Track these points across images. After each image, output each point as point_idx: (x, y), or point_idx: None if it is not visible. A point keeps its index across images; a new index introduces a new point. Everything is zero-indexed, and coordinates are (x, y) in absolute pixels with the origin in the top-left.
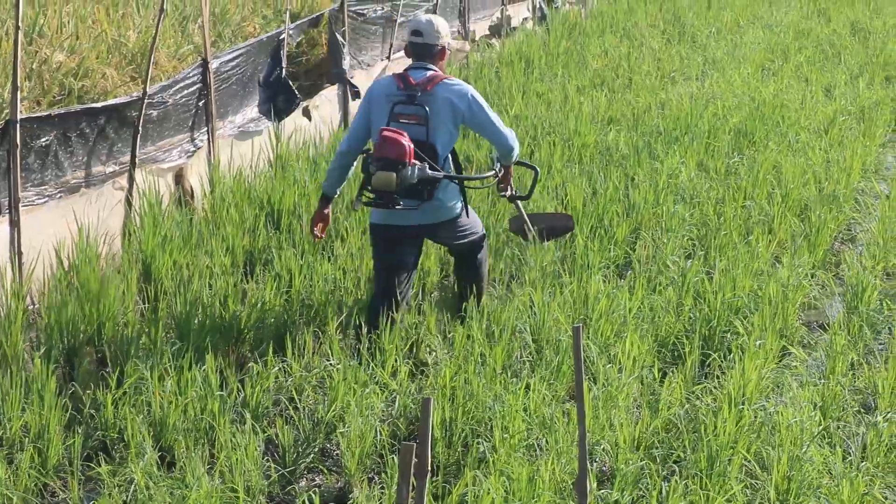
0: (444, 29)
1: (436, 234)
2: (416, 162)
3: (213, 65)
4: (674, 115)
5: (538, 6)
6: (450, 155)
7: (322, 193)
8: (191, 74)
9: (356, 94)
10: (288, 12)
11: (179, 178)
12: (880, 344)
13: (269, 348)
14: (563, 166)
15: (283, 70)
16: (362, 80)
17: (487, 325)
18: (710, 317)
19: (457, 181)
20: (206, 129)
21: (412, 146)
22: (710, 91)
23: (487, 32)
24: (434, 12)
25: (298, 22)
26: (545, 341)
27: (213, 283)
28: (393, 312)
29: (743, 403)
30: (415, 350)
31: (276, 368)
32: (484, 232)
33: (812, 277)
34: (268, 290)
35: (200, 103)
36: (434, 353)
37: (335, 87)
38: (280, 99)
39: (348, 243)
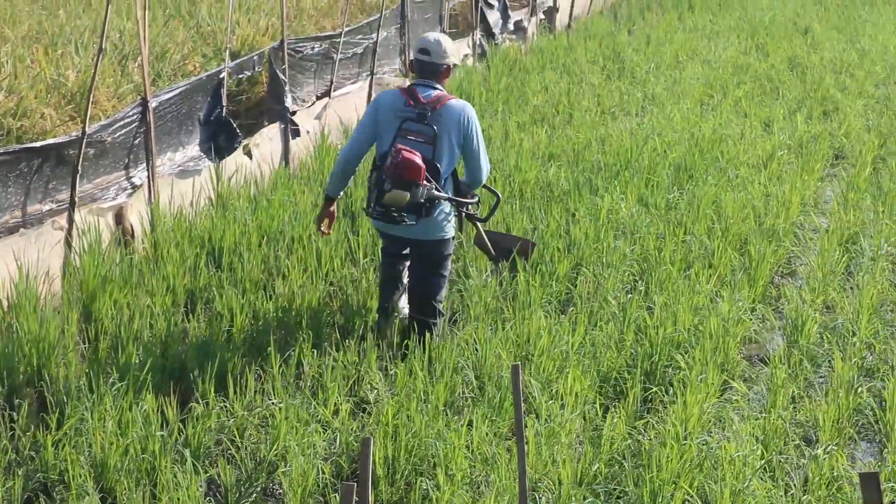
0: (451, 48)
1: (419, 249)
2: (426, 182)
3: (153, 103)
4: (614, 151)
5: (478, 42)
6: (451, 175)
7: (326, 195)
8: (130, 113)
9: (296, 133)
10: (228, 50)
11: (120, 217)
12: (820, 377)
13: (211, 387)
14: (505, 202)
15: (224, 109)
16: (302, 117)
17: (429, 362)
18: (651, 352)
19: (453, 203)
20: (146, 167)
21: (423, 165)
22: (650, 126)
23: None
24: (374, 50)
25: (238, 60)
26: (487, 378)
27: (154, 323)
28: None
29: (685, 438)
30: (356, 388)
31: (218, 408)
32: (442, 308)
33: (752, 311)
34: (209, 329)
35: (139, 142)
36: (376, 391)
37: (276, 124)
38: (221, 138)
39: (290, 280)
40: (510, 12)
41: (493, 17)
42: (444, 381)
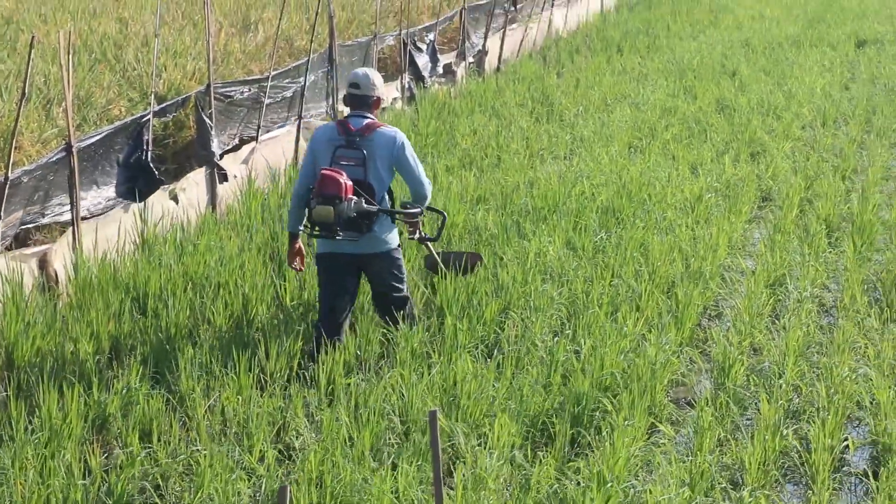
0: (379, 81)
1: (370, 265)
2: (353, 197)
3: (77, 148)
4: (542, 194)
5: (407, 86)
6: (386, 194)
7: (288, 233)
8: (54, 158)
9: (224, 177)
10: (153, 94)
11: (43, 262)
12: (747, 420)
13: (135, 435)
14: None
15: (145, 152)
16: (229, 162)
17: (355, 408)
18: (579, 395)
19: (390, 216)
20: (70, 212)
21: (350, 183)
22: (578, 169)
23: None
24: (301, 94)
25: (164, 104)
26: (413, 423)
27: (78, 370)
28: (331, 337)
29: (612, 481)
30: (282, 433)
31: (142, 455)
32: (408, 294)
33: (679, 354)
34: (133, 376)
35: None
36: (301, 437)
37: (203, 169)
38: (140, 181)
39: (215, 326)
40: (439, 56)
41: (422, 60)
42: (369, 426)
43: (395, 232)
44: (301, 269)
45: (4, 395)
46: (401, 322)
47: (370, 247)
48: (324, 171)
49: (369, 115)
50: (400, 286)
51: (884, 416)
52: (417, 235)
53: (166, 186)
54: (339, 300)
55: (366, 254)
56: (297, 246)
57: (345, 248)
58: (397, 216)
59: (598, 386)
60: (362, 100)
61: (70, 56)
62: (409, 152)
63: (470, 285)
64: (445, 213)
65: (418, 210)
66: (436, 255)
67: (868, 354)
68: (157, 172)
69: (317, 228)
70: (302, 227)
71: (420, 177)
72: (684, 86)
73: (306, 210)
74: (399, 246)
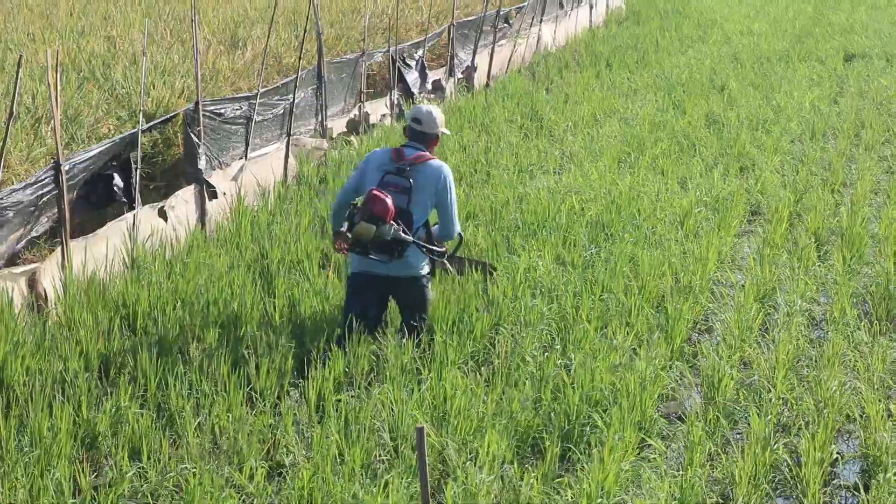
0: (441, 120)
1: (398, 287)
2: (394, 223)
3: (66, 167)
4: (531, 210)
5: (396, 102)
6: (423, 226)
7: (332, 229)
8: (42, 177)
9: (213, 195)
10: (142, 113)
11: (33, 281)
12: (737, 434)
13: (125, 452)
14: None
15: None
16: (220, 179)
17: (346, 424)
18: (568, 411)
19: (424, 249)
20: (59, 231)
21: (394, 209)
22: (568, 185)
23: (345, 129)
24: (290, 111)
25: (152, 122)
26: (403, 439)
27: (67, 388)
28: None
29: (602, 497)
30: (272, 451)
31: (132, 473)
32: (427, 322)
33: (670, 369)
34: (123, 394)
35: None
36: (292, 454)
37: (192, 187)
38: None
39: (205, 343)
40: (428, 72)
41: (412, 76)
42: (360, 443)
43: (426, 259)
44: (345, 252)
45: None
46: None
47: (400, 270)
48: (375, 192)
49: (425, 151)
50: (422, 314)
51: (874, 430)
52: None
53: (154, 204)
54: (361, 316)
55: (395, 277)
56: (341, 232)
57: (376, 269)
58: (427, 251)
59: (588, 401)
60: (422, 135)
61: (58, 74)
62: (451, 191)
63: (460, 301)
64: (462, 234)
65: (443, 251)
66: (448, 266)
67: (858, 367)
68: (119, 191)
69: (342, 242)
70: (338, 238)
71: (453, 216)
72: (673, 101)
73: (347, 223)
74: (429, 275)
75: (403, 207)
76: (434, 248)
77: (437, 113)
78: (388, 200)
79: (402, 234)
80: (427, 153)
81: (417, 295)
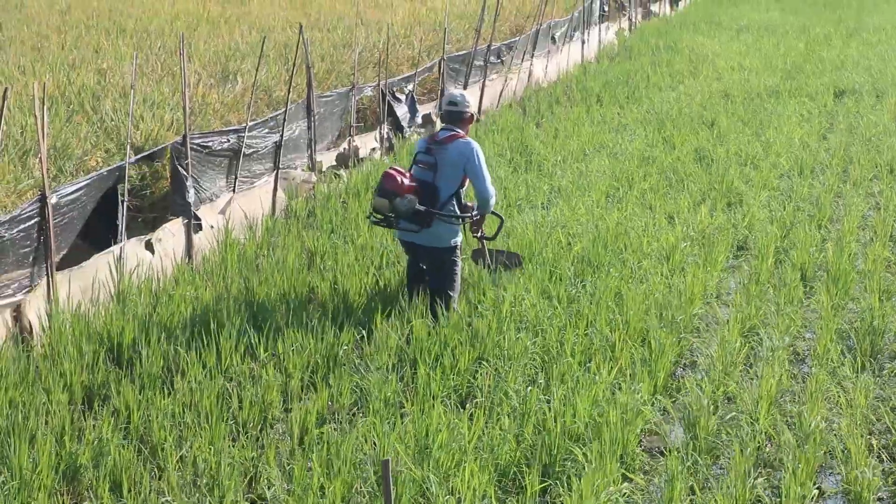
0: (472, 100)
1: (426, 256)
2: (409, 195)
3: (52, 199)
4: (518, 243)
5: (386, 136)
6: (454, 198)
7: None
8: (29, 209)
9: (199, 227)
10: (130, 146)
11: (18, 313)
12: (719, 469)
13: (106, 485)
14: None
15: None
16: (206, 212)
17: (328, 457)
18: (550, 445)
19: (444, 218)
20: (45, 264)
21: (407, 182)
22: (555, 219)
23: (335, 163)
24: (279, 145)
25: (140, 155)
26: None
27: (50, 420)
28: (419, 293)
29: None
30: (254, 484)
31: None
32: (452, 295)
33: (653, 404)
34: (105, 427)
35: (41, 238)
36: (273, 487)
37: (179, 219)
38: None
39: (189, 377)
40: (418, 106)
41: (401, 110)
42: (341, 476)
43: (456, 233)
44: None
45: None
46: (436, 312)
47: (428, 240)
48: (388, 170)
49: (458, 129)
50: (446, 283)
51: (855, 465)
52: (479, 234)
53: (141, 237)
54: (414, 281)
55: (423, 246)
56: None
57: (407, 237)
58: (465, 220)
59: (570, 436)
60: (457, 115)
61: (45, 107)
62: (479, 161)
63: (444, 335)
64: (503, 217)
65: (468, 215)
66: (486, 251)
67: (841, 403)
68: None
69: (375, 215)
70: (370, 217)
71: (485, 183)
72: (663, 136)
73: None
74: (457, 247)
75: (430, 181)
76: (451, 214)
77: (469, 95)
78: (400, 176)
79: (419, 206)
80: (460, 132)
81: (442, 265)
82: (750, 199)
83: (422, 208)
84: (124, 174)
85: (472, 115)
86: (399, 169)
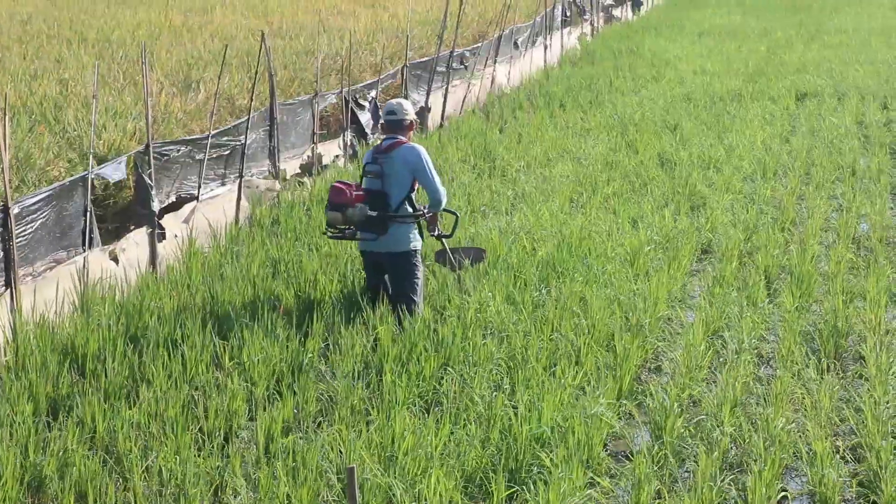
0: (410, 108)
1: (387, 262)
2: (359, 204)
3: (15, 210)
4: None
5: (349, 143)
6: (407, 202)
7: None
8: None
9: (163, 236)
10: (92, 155)
11: None
12: (685, 472)
13: (71, 496)
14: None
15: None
16: (169, 221)
17: (293, 466)
18: (516, 450)
19: (399, 220)
20: (7, 275)
21: (353, 192)
22: (519, 224)
23: (298, 171)
24: (242, 153)
25: (104, 165)
26: None
27: (15, 432)
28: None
29: None
30: (219, 493)
31: None
32: (416, 299)
33: (618, 407)
34: (70, 438)
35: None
36: (239, 496)
37: (143, 229)
38: None
39: (154, 387)
40: (381, 113)
41: (365, 117)
42: (307, 484)
43: (414, 237)
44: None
45: None
46: (402, 320)
47: (387, 246)
48: (334, 184)
49: (402, 136)
50: (409, 286)
51: (820, 467)
52: (436, 232)
53: (105, 247)
54: (373, 286)
55: (383, 252)
56: None
57: (368, 247)
58: (416, 218)
59: (536, 440)
60: (396, 123)
61: (6, 117)
62: (425, 164)
63: (410, 341)
64: (458, 214)
65: (419, 213)
66: (448, 250)
67: (805, 405)
68: None
69: (331, 230)
70: (326, 232)
71: (434, 184)
72: (626, 140)
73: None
74: (416, 251)
75: (379, 189)
76: (406, 214)
77: (406, 103)
78: (346, 188)
79: (370, 212)
80: (403, 139)
81: (403, 269)
82: (713, 203)
83: (373, 213)
84: (87, 184)
85: (412, 121)
86: (345, 182)
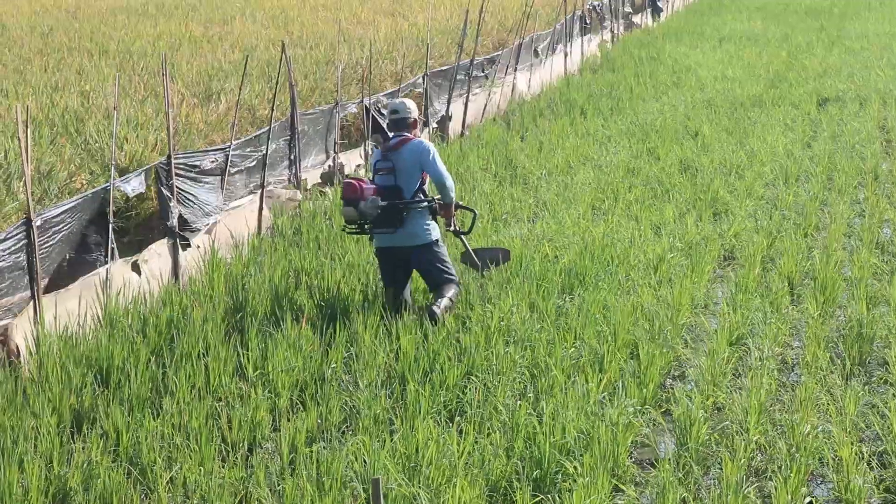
0: (413, 106)
1: (411, 256)
2: (371, 196)
3: (37, 222)
4: None
5: (370, 152)
6: (421, 195)
7: None
8: (14, 233)
9: (186, 247)
10: (114, 167)
11: (4, 338)
12: (710, 479)
13: None
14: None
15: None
16: (192, 232)
17: (318, 476)
18: (540, 459)
19: (411, 205)
20: (31, 287)
21: (365, 187)
22: (541, 232)
23: (320, 180)
24: (264, 163)
25: (125, 177)
26: None
27: (39, 444)
28: (394, 305)
29: None
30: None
31: None
32: (454, 278)
33: (643, 415)
34: (94, 450)
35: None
36: None
37: (165, 240)
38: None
39: (178, 398)
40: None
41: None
42: (331, 494)
43: (432, 227)
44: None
45: None
46: (442, 300)
47: (407, 240)
48: (345, 180)
49: (407, 133)
50: (443, 268)
51: (846, 473)
52: (453, 228)
53: (127, 259)
54: (392, 284)
55: (405, 247)
56: None
57: (385, 243)
58: (430, 212)
59: (560, 449)
60: (402, 121)
61: (28, 130)
62: (432, 156)
63: (432, 350)
64: (476, 211)
65: (431, 200)
66: (469, 249)
67: (830, 411)
68: None
69: (348, 226)
70: (344, 229)
71: (438, 170)
72: (647, 147)
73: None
74: (437, 240)
75: (392, 184)
76: (413, 201)
77: (409, 101)
78: (358, 184)
79: (381, 202)
80: (409, 135)
81: (429, 262)
82: (735, 209)
83: (384, 203)
84: (109, 195)
85: (416, 119)
86: (356, 177)
